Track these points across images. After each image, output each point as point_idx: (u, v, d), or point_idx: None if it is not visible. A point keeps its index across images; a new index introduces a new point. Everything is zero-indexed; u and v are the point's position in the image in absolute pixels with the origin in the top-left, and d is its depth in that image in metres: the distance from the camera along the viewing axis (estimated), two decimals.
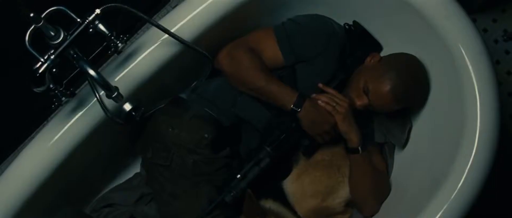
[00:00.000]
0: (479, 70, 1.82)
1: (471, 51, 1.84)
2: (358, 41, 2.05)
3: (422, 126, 2.06)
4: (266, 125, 1.97)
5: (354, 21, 2.08)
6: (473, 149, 1.77)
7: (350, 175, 2.04)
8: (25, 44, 1.46)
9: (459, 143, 1.81)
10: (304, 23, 1.98)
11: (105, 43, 1.60)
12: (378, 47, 2.10)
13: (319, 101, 1.90)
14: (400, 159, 2.11)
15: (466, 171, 1.76)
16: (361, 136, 1.95)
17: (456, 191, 1.75)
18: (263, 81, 1.86)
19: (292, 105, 1.85)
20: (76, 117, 1.77)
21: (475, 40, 1.86)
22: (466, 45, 1.85)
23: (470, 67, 1.83)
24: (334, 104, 1.89)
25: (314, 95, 1.92)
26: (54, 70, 1.51)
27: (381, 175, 2.06)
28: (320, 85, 1.94)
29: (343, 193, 2.05)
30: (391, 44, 2.06)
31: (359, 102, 1.92)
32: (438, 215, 1.75)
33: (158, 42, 1.82)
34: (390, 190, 2.05)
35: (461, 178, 1.76)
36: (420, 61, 1.97)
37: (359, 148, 1.95)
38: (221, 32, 1.94)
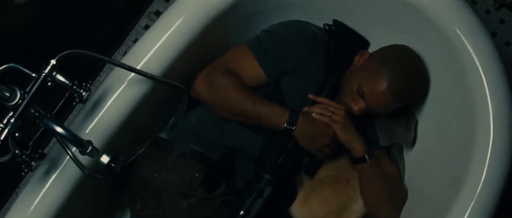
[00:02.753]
0: (480, 49, 1.83)
1: (467, 30, 1.84)
2: (343, 40, 2.03)
3: (428, 120, 2.05)
4: (260, 150, 1.94)
5: (334, 20, 2.06)
6: (489, 135, 1.76)
7: (360, 187, 2.01)
8: None
9: (473, 131, 1.80)
10: (280, 32, 1.97)
11: (67, 94, 1.56)
12: (365, 43, 2.08)
13: (313, 114, 1.87)
14: (411, 159, 2.10)
15: (487, 159, 1.75)
16: (365, 142, 1.92)
17: (480, 185, 1.74)
18: (248, 103, 1.82)
19: (285, 124, 1.82)
20: (51, 180, 1.73)
21: (469, 17, 1.86)
22: (460, 25, 1.84)
23: (469, 48, 1.82)
24: (329, 114, 1.86)
25: (306, 108, 1.89)
26: (17, 134, 1.47)
27: (394, 180, 2.03)
28: (311, 96, 1.92)
29: (357, 207, 2.03)
30: (379, 37, 2.05)
31: (356, 107, 1.90)
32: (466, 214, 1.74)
33: (125, 83, 1.78)
34: (407, 195, 2.03)
35: (483, 169, 1.74)
36: (414, 51, 1.95)
37: (366, 156, 1.92)
38: (192, 59, 1.91)
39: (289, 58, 1.91)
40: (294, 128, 1.82)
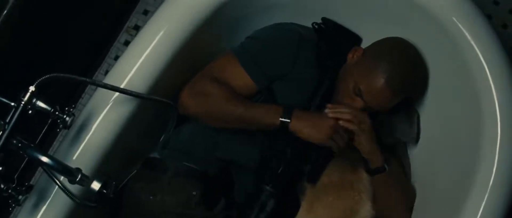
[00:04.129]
0: (479, 36, 1.82)
1: (463, 18, 1.84)
2: (334, 38, 2.02)
3: (430, 112, 2.04)
4: (258, 161, 1.92)
5: (322, 18, 2.05)
6: (497, 123, 1.75)
7: (376, 195, 1.98)
8: None
9: (479, 121, 1.79)
10: (264, 36, 1.96)
11: (50, 120, 1.55)
12: (357, 39, 2.08)
13: (341, 122, 1.82)
14: (417, 155, 2.10)
15: (497, 148, 1.74)
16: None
17: (493, 175, 1.72)
18: (240, 107, 1.80)
19: (280, 118, 1.77)
20: (41, 213, 1.71)
21: (464, 3, 1.86)
22: (456, 12, 1.84)
23: (467, 36, 1.82)
24: (358, 121, 1.84)
25: (329, 105, 1.85)
26: (0, 168, 1.46)
27: (404, 181, 2.02)
28: (329, 106, 1.86)
29: (364, 211, 2.01)
30: (371, 32, 2.03)
31: (354, 107, 1.88)
32: (481, 208, 1.72)
33: (110, 103, 1.77)
34: (415, 193, 2.03)
35: (494, 159, 1.73)
36: (408, 42, 1.94)
37: (385, 166, 1.91)
38: (178, 72, 1.91)
39: (276, 62, 1.90)
40: (289, 120, 1.77)
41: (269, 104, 1.83)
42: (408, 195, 2.02)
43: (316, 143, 1.80)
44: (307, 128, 1.79)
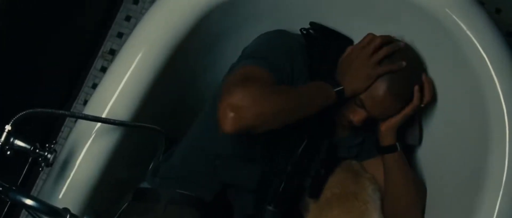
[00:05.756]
0: (475, 26, 1.82)
1: (457, 8, 1.83)
2: (324, 43, 1.99)
3: (434, 113, 2.03)
4: (258, 181, 1.89)
5: (311, 23, 2.03)
6: (503, 114, 1.74)
7: (387, 181, 1.98)
8: None
9: (484, 114, 1.78)
10: (267, 44, 1.91)
11: (31, 159, 1.53)
12: (348, 42, 2.05)
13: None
14: (422, 158, 2.10)
15: (507, 139, 1.73)
16: None
17: (505, 171, 1.71)
18: (296, 90, 1.72)
19: (334, 90, 1.76)
20: None
21: None
22: (449, 3, 1.83)
23: (463, 27, 1.81)
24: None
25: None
26: None
27: (415, 175, 2.02)
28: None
29: None
30: (362, 31, 1.99)
31: (356, 118, 1.86)
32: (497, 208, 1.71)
33: (93, 135, 1.75)
34: (426, 190, 2.03)
35: (505, 154, 1.72)
36: (407, 44, 1.91)
37: (397, 144, 1.91)
38: (162, 94, 1.90)
39: (289, 67, 1.82)
40: (342, 86, 1.78)
41: (308, 85, 1.80)
42: (419, 189, 2.03)
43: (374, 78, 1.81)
44: (355, 81, 1.80)
